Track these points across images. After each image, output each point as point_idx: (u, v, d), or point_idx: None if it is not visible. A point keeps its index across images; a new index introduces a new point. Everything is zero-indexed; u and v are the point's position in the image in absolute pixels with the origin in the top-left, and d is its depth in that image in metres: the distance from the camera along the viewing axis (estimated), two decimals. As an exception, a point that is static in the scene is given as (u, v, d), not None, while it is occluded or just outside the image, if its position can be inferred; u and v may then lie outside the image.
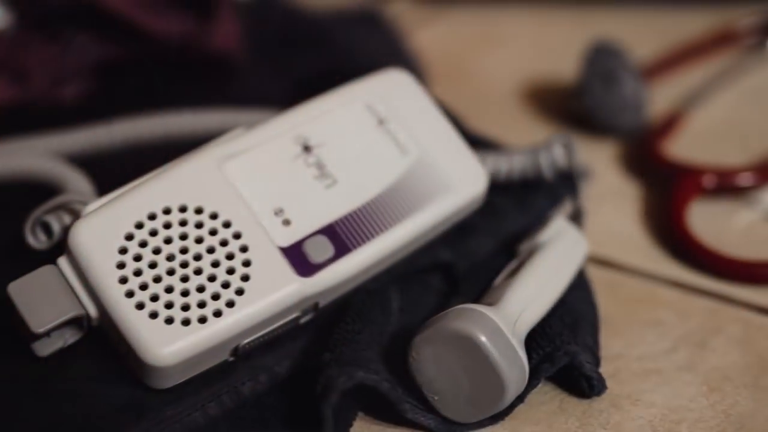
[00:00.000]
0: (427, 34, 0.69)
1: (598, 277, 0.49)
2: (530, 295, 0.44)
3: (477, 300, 0.45)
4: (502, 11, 0.70)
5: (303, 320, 0.44)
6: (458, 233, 0.49)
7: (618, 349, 0.46)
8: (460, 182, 0.46)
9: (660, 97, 0.60)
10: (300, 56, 0.64)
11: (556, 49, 0.65)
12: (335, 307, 0.45)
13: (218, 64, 0.60)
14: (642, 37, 0.66)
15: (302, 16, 0.69)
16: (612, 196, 0.55)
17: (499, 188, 0.51)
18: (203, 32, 0.58)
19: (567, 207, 0.50)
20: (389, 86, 0.48)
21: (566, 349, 0.43)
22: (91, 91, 0.58)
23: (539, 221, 0.49)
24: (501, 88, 0.63)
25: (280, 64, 0.64)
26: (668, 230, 0.51)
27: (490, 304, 0.43)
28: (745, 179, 0.53)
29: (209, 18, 0.59)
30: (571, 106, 0.59)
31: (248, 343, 0.42)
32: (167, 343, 0.40)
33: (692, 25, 0.67)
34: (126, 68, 0.60)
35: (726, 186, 0.54)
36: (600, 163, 0.57)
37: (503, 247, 0.49)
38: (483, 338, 0.40)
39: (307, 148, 0.45)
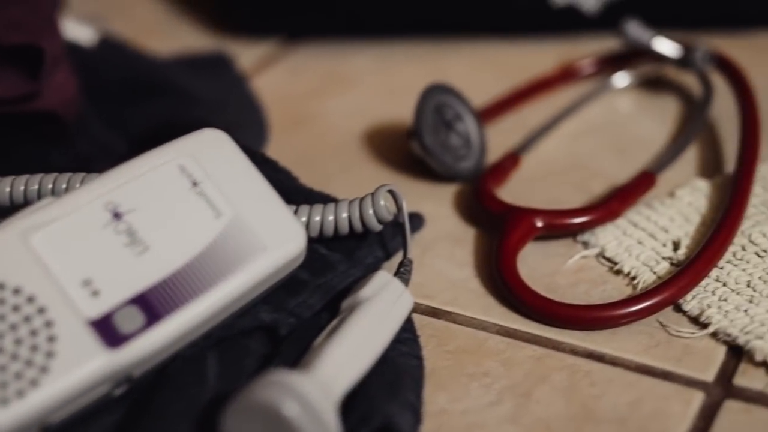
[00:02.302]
0: (269, 77, 0.68)
1: (426, 329, 0.49)
2: (346, 355, 0.43)
3: (296, 362, 0.45)
4: (345, 52, 0.70)
5: (118, 392, 0.43)
6: (284, 291, 0.48)
7: (442, 404, 0.45)
8: (277, 242, 0.45)
9: (500, 138, 0.60)
10: (142, 105, 0.63)
11: (400, 91, 0.65)
12: (153, 375, 0.44)
13: (54, 120, 0.58)
14: (488, 76, 0.66)
15: (146, 62, 0.68)
16: (447, 243, 0.54)
17: (328, 241, 0.51)
18: (34, 90, 0.56)
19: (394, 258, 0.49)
20: (204, 146, 0.47)
21: (383, 411, 0.43)
22: None
23: (367, 274, 0.49)
24: (343, 132, 0.63)
25: (123, 114, 0.62)
26: (498, 276, 0.51)
27: (305, 367, 0.43)
28: (577, 219, 0.53)
29: (40, 75, 0.57)
30: (411, 150, 0.59)
31: (57, 421, 0.41)
32: (-35, 429, 0.39)
33: (537, 63, 0.67)
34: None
35: (559, 227, 0.53)
36: (438, 209, 0.56)
37: (333, 303, 0.49)
38: (287, 408, 0.39)
39: (117, 215, 0.44)
